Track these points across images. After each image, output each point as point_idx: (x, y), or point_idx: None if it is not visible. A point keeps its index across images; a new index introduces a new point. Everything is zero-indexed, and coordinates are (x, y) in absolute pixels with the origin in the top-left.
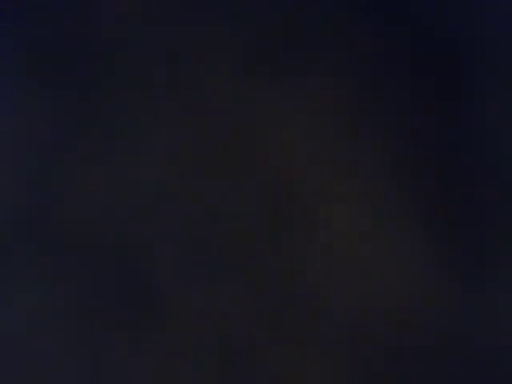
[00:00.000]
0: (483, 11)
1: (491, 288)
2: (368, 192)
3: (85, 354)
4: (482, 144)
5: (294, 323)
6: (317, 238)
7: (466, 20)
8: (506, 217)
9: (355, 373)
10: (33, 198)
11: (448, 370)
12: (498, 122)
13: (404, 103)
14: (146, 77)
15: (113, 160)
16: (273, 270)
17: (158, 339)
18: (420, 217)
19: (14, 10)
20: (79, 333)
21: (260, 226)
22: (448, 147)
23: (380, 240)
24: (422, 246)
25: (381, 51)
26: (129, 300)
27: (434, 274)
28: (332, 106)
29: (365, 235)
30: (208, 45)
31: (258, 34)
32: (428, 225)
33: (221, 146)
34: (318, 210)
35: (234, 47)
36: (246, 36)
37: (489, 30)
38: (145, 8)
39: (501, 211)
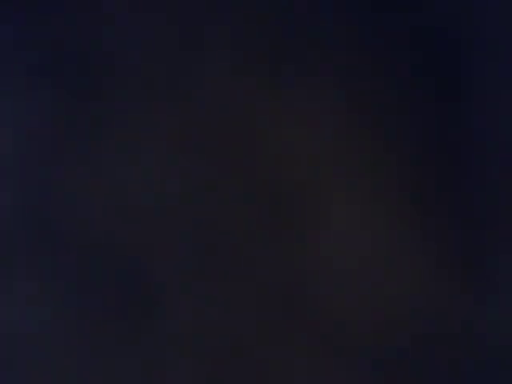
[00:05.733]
0: (483, 10)
1: (491, 288)
2: (368, 192)
3: (84, 354)
4: (482, 144)
5: (294, 323)
6: (317, 238)
7: (466, 19)
8: (506, 217)
9: (355, 372)
10: (33, 198)
11: (448, 370)
12: (497, 122)
13: (404, 103)
14: (146, 77)
15: (113, 160)
16: (273, 270)
17: (157, 339)
18: (420, 217)
19: (15, 11)
20: (79, 332)
21: (260, 227)
22: (448, 147)
23: (380, 240)
24: (422, 245)
25: (381, 51)
26: (129, 300)
27: (434, 274)
28: (332, 106)
29: (365, 235)
30: (208, 45)
31: (258, 34)
32: (428, 224)
33: (221, 146)
34: (318, 210)
35: (234, 47)
36: (246, 36)
37: (489, 28)
38: (145, 8)
39: (501, 211)
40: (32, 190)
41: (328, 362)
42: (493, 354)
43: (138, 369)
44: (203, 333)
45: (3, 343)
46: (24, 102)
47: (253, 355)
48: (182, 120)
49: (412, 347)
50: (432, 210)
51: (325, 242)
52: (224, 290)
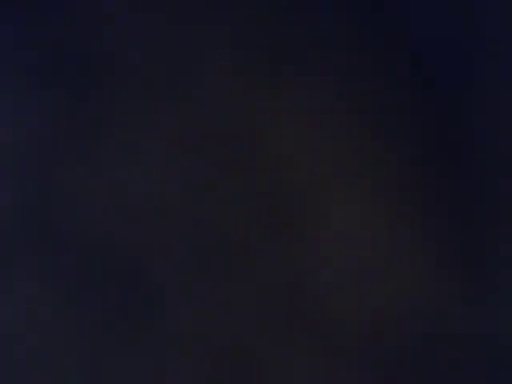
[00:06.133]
0: (483, 10)
1: (491, 288)
2: (368, 192)
3: (84, 353)
4: (482, 144)
5: (294, 323)
6: (317, 238)
7: (466, 20)
8: (506, 217)
9: (355, 372)
10: (33, 198)
11: (448, 370)
12: (498, 122)
13: (404, 103)
14: (146, 77)
15: (113, 160)
16: (273, 270)
17: (157, 339)
18: (420, 217)
19: (15, 11)
20: (79, 332)
21: (260, 227)
22: (448, 147)
23: (380, 240)
24: (422, 245)
25: (381, 51)
26: (128, 300)
27: (434, 274)
28: (332, 106)
29: (365, 235)
30: (208, 45)
31: (258, 34)
32: (428, 224)
33: (221, 146)
34: (318, 210)
35: (234, 47)
36: (246, 36)
37: (489, 28)
38: (145, 8)
39: (501, 211)
40: (32, 190)
41: (328, 361)
42: (493, 353)
43: (137, 369)
44: (203, 333)
45: (3, 343)
46: (24, 101)
47: (253, 355)
48: (182, 120)
49: (412, 347)
50: (432, 209)
51: (325, 241)
52: (224, 289)
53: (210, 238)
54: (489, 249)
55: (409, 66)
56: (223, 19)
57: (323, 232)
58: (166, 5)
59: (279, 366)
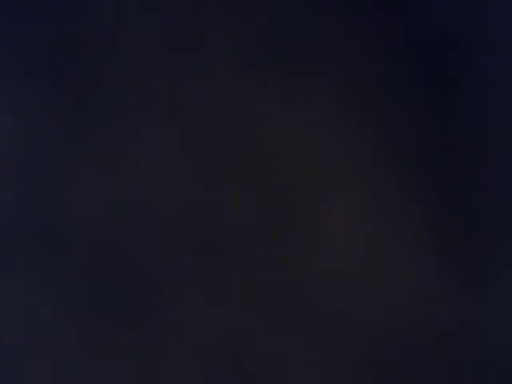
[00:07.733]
0: (483, 10)
1: (491, 288)
2: (368, 192)
3: (84, 354)
4: (482, 143)
5: (294, 323)
6: (317, 238)
7: (465, 20)
8: (506, 216)
9: (355, 373)
10: (33, 198)
11: (448, 370)
12: (498, 122)
13: (404, 103)
14: (146, 76)
15: (112, 160)
16: (273, 270)
17: (157, 339)
18: (420, 217)
19: (14, 9)
20: (79, 332)
21: (260, 226)
22: (448, 147)
23: (380, 240)
24: (422, 245)
25: (381, 51)
26: (129, 300)
27: (434, 274)
28: (332, 105)
29: (365, 235)
30: (208, 45)
31: (258, 33)
32: (428, 225)
33: (221, 146)
34: (318, 210)
35: (234, 47)
36: (245, 36)
37: (489, 29)
38: (144, 8)
39: (501, 211)
40: (32, 190)
41: (328, 361)
42: (493, 354)
43: (138, 369)
44: (203, 332)
45: (3, 343)
46: (24, 101)
47: (253, 355)
48: (182, 120)
49: (412, 347)
50: (432, 209)
51: (325, 242)
52: (224, 289)
53: (210, 238)
54: (489, 248)
55: (409, 67)
56: (223, 19)
57: (323, 232)
58: (166, 5)
59: (279, 366)
